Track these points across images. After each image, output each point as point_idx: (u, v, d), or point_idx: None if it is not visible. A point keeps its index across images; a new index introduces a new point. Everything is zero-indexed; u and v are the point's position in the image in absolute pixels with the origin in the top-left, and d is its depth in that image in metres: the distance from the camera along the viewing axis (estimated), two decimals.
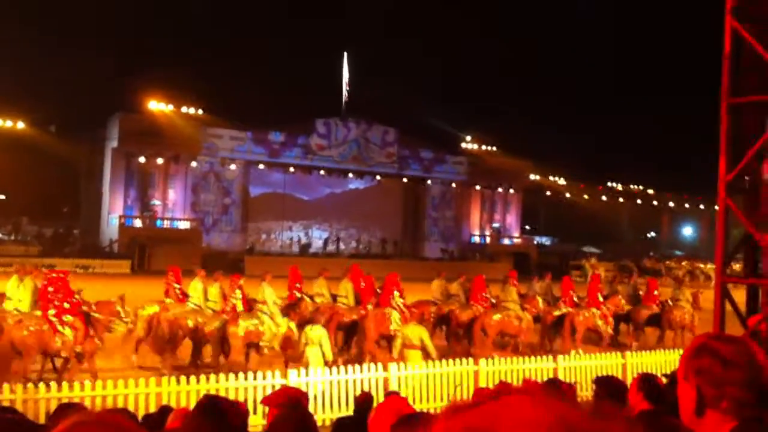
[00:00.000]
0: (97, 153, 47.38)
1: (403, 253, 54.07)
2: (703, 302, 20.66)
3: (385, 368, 12.54)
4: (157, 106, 45.89)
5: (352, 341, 16.72)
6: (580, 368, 14.34)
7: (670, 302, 20.77)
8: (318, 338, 13.08)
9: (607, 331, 19.00)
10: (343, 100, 54.85)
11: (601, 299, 19.37)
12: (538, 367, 13.89)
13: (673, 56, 74.53)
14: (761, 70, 8.53)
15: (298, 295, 16.82)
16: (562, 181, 65.92)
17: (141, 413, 9.02)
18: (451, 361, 13.36)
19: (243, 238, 50.75)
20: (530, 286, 20.71)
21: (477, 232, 58.96)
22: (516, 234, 60.87)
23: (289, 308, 15.37)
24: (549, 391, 1.12)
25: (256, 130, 50.52)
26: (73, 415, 1.35)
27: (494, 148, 57.65)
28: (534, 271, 30.58)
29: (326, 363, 12.81)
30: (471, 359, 13.67)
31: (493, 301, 18.37)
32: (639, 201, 74.40)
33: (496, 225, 59.60)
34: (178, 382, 11.03)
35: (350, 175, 55.39)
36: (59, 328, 12.83)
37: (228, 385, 11.17)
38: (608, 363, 14.72)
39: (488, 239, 58.39)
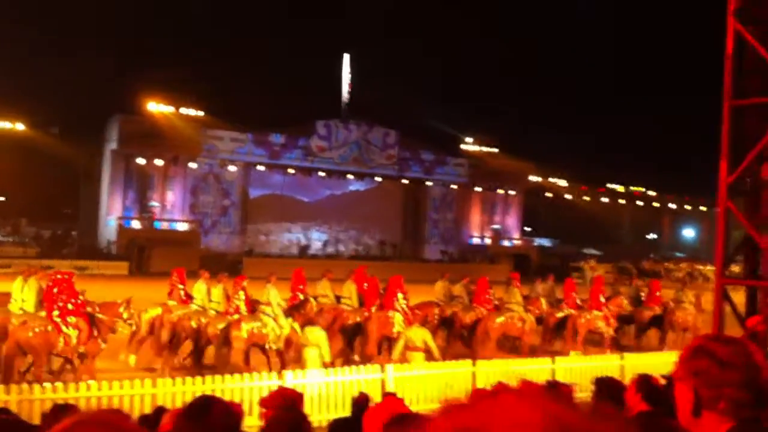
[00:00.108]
0: (97, 155, 47.42)
1: (403, 255, 54.08)
2: (704, 304, 20.68)
3: (382, 369, 12.53)
4: (156, 107, 45.87)
5: (354, 343, 16.75)
6: (578, 369, 14.36)
7: (672, 304, 20.80)
8: (317, 340, 13.09)
9: (608, 332, 19.04)
10: (344, 101, 54.96)
11: (603, 301, 19.43)
12: (536, 369, 13.90)
13: (674, 57, 74.57)
14: (764, 72, 8.51)
15: (302, 296, 16.85)
16: (562, 183, 65.99)
17: (136, 414, 9.00)
18: (448, 362, 13.37)
19: (242, 240, 50.77)
20: (533, 288, 20.81)
21: (477, 234, 59.02)
22: (516, 236, 60.94)
23: (294, 310, 15.40)
24: (546, 393, 1.11)
25: (257, 132, 50.55)
26: (67, 416, 1.35)
27: (495, 150, 57.71)
28: (534, 273, 30.60)
29: (324, 364, 12.81)
30: (468, 361, 13.68)
31: (496, 303, 18.41)
32: (640, 203, 74.46)
33: (496, 227, 59.67)
34: (174, 383, 11.02)
35: (350, 176, 55.45)
36: (63, 328, 12.89)
37: (224, 386, 11.14)
38: (606, 364, 14.74)
39: (488, 241, 58.45)
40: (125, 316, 14.20)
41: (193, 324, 15.04)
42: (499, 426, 1.02)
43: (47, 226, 51.52)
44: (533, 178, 62.14)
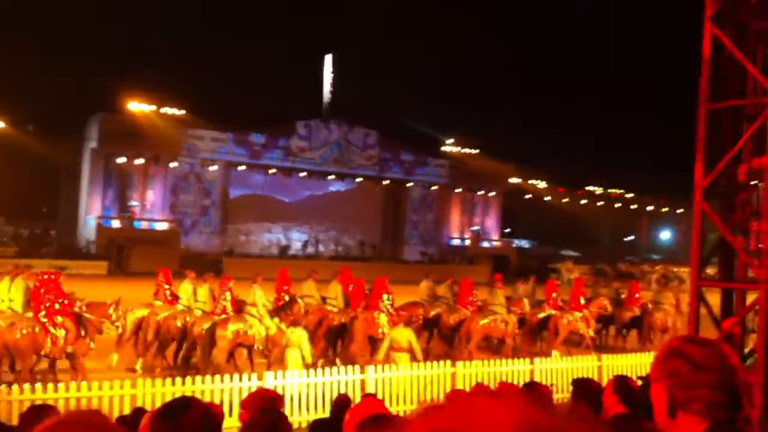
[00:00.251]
0: (77, 153, 47.10)
1: (382, 256, 54.08)
2: (683, 306, 20.84)
3: (362, 370, 12.54)
4: (137, 106, 45.61)
5: (337, 344, 16.76)
6: (557, 370, 14.44)
7: (651, 305, 20.97)
8: (298, 340, 13.08)
9: (588, 333, 19.18)
10: (325, 102, 54.89)
11: (583, 302, 19.56)
12: (515, 370, 13.98)
13: (654, 59, 75.03)
14: (740, 75, 8.60)
15: (287, 297, 16.84)
16: (542, 185, 66.28)
17: (116, 415, 8.95)
18: (428, 363, 13.40)
19: (222, 240, 50.58)
20: (514, 289, 20.92)
21: (457, 235, 59.16)
22: (495, 237, 61.16)
23: (281, 310, 15.39)
24: (524, 395, 1.13)
25: (238, 132, 50.41)
26: (46, 417, 1.35)
27: (475, 151, 57.86)
28: (513, 275, 30.70)
29: (306, 365, 12.81)
30: (448, 361, 13.71)
31: (480, 304, 18.47)
32: (618, 204, 74.94)
33: (475, 228, 59.83)
34: (153, 384, 10.97)
35: (331, 177, 55.39)
36: (50, 329, 12.83)
37: (203, 387, 11.11)
38: (584, 365, 14.84)
39: (468, 242, 58.57)
40: (114, 317, 14.15)
41: (179, 323, 15.08)
42: (474, 428, 1.04)
43: (25, 225, 50.97)
44: (513, 180, 62.39)
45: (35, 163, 46.73)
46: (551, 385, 12.20)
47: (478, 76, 70.59)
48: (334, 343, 16.86)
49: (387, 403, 10.27)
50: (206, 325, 14.62)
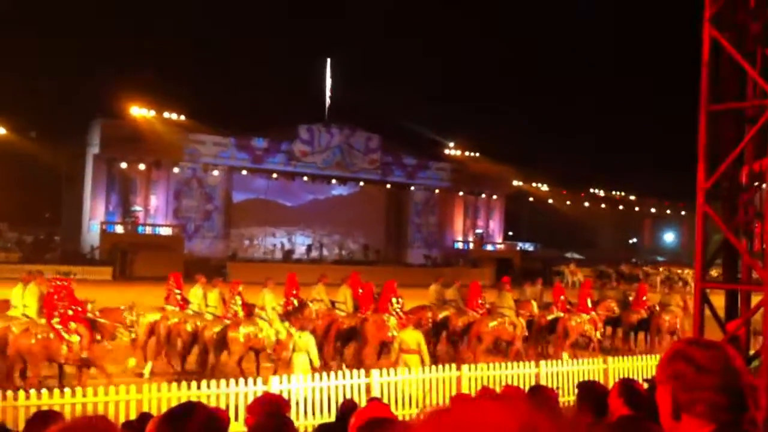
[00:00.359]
0: (79, 159, 47.07)
1: (386, 260, 54.04)
2: (691, 308, 20.78)
3: (367, 374, 12.54)
4: (139, 111, 45.68)
5: (345, 348, 16.77)
6: (563, 373, 14.42)
7: (658, 307, 20.93)
8: (305, 345, 13.08)
9: (595, 336, 19.18)
10: (327, 106, 54.93)
11: (590, 305, 19.56)
12: (521, 373, 13.94)
13: (654, 60, 74.91)
14: (741, 77, 8.61)
15: (296, 301, 16.87)
16: (545, 187, 66.22)
17: (122, 420, 8.96)
18: (434, 367, 13.39)
19: (225, 245, 50.59)
20: (522, 292, 20.93)
21: (460, 238, 59.15)
22: (499, 240, 61.12)
23: (292, 314, 15.42)
24: (528, 398, 1.14)
25: (240, 136, 50.40)
26: (52, 423, 1.37)
27: (477, 155, 57.86)
28: (517, 277, 30.68)
29: (313, 369, 12.80)
30: (453, 365, 13.71)
31: (488, 307, 18.47)
32: (621, 207, 74.84)
33: (479, 231, 59.82)
34: (159, 389, 10.97)
35: (333, 181, 55.37)
36: (65, 335, 12.87)
37: (209, 392, 11.11)
38: (590, 368, 14.79)
39: (471, 245, 58.54)
40: (128, 321, 14.22)
41: (189, 328, 15.14)
42: (474, 430, 1.05)
43: (28, 231, 50.99)
44: (515, 183, 62.36)
45: (37, 169, 46.76)
46: (557, 388, 12.19)
47: (479, 77, 70.60)
48: (343, 346, 16.87)
49: (392, 407, 10.27)
50: (217, 329, 14.72)
